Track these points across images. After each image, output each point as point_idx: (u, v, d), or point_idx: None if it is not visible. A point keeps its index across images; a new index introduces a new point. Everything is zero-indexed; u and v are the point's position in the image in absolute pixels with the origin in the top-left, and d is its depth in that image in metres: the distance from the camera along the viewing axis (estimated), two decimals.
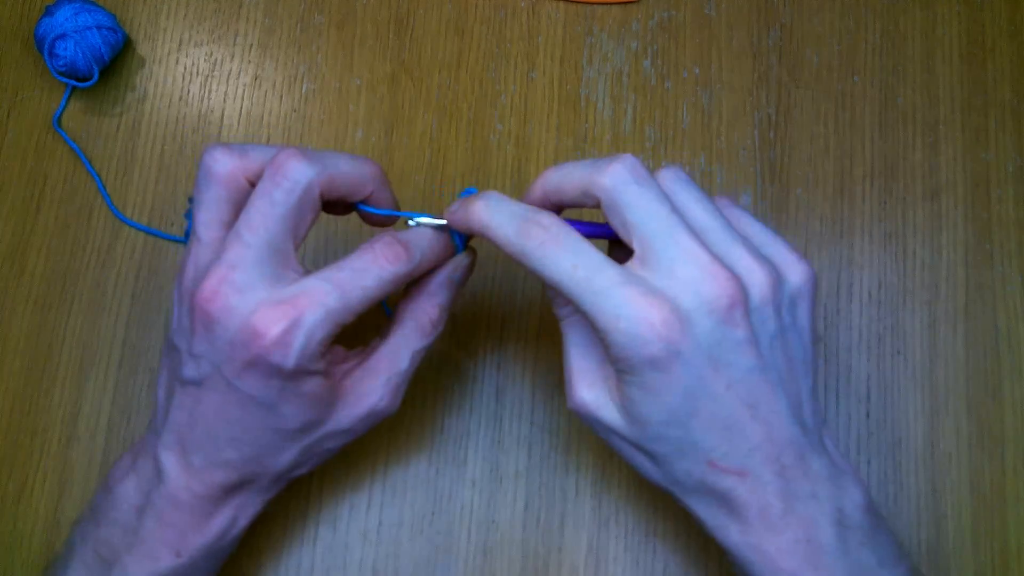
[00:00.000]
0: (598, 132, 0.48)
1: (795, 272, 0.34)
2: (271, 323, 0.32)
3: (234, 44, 0.50)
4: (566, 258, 0.32)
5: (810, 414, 0.34)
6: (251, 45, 0.50)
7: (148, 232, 0.47)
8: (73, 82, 0.48)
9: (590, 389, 0.34)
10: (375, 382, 0.37)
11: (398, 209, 0.39)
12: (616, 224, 0.33)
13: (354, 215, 0.39)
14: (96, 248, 0.47)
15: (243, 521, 0.37)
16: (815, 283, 0.34)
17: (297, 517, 0.43)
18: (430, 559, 0.43)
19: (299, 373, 0.33)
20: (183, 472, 0.35)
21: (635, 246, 0.32)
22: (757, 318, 0.32)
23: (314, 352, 0.33)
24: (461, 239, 0.38)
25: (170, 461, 0.35)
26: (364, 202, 0.37)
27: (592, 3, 0.50)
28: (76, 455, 0.44)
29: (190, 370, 0.34)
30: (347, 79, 0.49)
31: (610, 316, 0.31)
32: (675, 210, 0.32)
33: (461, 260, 0.38)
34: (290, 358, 0.32)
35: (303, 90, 0.49)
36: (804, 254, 0.40)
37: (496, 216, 0.33)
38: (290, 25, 0.50)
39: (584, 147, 0.48)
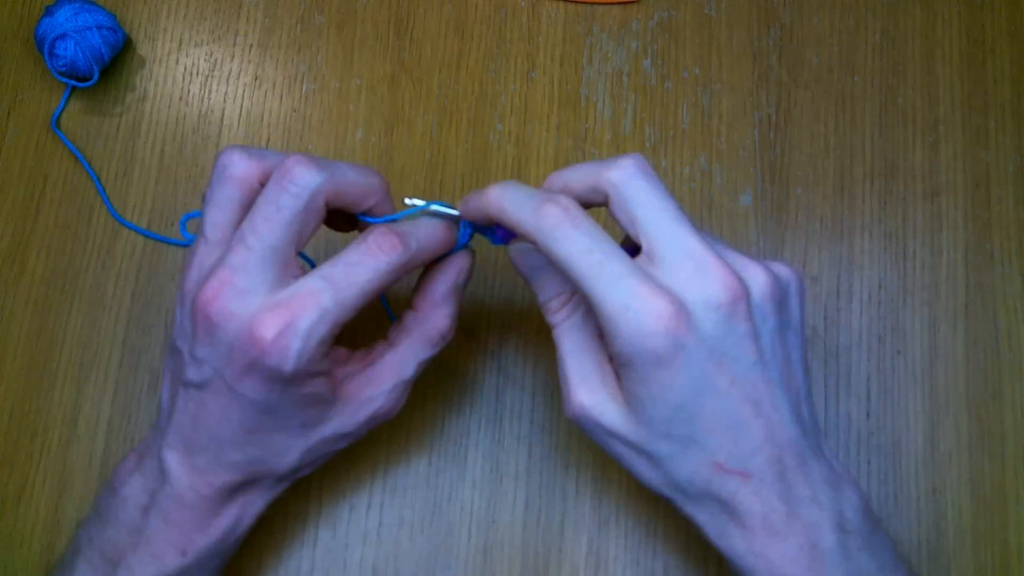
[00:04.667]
0: (598, 132, 0.48)
1: (785, 273, 0.35)
2: (268, 327, 0.32)
3: (234, 44, 0.50)
4: (582, 240, 0.32)
5: (808, 415, 0.34)
6: (251, 45, 0.50)
7: (147, 235, 0.47)
8: (73, 82, 0.48)
9: (590, 394, 0.34)
10: (379, 389, 0.37)
11: None
12: (623, 220, 0.33)
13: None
14: (96, 248, 0.47)
15: (248, 520, 0.37)
16: (802, 283, 0.35)
17: (297, 518, 0.43)
18: (430, 559, 0.43)
19: (299, 376, 0.33)
20: (188, 473, 0.35)
21: (642, 242, 0.33)
22: (759, 314, 0.33)
23: (312, 354, 0.32)
24: (465, 234, 0.38)
25: (175, 461, 0.35)
26: (367, 213, 0.37)
27: (592, 3, 0.50)
28: (76, 455, 0.44)
29: (192, 373, 0.34)
30: (347, 79, 0.49)
31: (619, 305, 0.31)
32: (681, 209, 0.33)
33: (463, 262, 0.38)
34: (288, 362, 0.32)
35: (303, 90, 0.49)
36: (803, 256, 0.41)
37: (512, 199, 0.33)
38: (290, 25, 0.50)
39: (584, 147, 0.48)
